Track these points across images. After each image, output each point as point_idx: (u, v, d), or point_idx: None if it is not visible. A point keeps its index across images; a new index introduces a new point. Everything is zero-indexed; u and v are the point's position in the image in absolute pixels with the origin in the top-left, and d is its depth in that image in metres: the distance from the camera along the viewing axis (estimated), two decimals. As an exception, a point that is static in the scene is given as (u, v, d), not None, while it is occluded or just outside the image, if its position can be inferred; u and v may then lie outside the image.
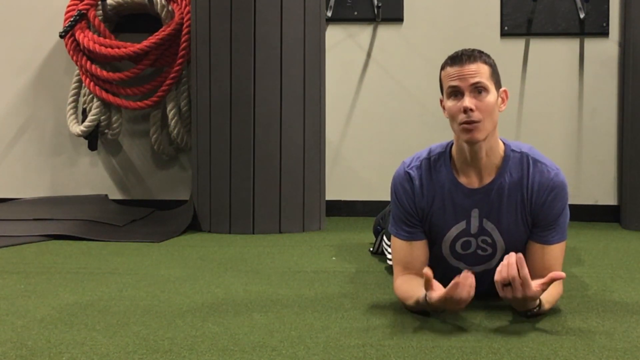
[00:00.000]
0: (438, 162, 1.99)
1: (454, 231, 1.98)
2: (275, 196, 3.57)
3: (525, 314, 1.85)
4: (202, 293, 2.23)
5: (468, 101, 1.85)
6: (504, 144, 1.98)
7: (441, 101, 1.97)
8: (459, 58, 1.89)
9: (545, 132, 4.17)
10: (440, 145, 2.02)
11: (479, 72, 1.87)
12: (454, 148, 1.99)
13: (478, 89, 1.87)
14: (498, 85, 1.93)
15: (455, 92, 1.88)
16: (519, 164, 1.95)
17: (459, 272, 2.02)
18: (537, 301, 1.83)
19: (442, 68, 1.94)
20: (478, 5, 4.21)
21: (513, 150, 1.96)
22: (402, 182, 2.01)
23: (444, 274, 2.06)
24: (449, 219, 1.97)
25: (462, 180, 1.96)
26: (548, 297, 1.88)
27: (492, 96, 1.88)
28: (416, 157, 2.03)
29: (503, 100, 1.95)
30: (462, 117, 1.86)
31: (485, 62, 1.90)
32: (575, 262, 2.79)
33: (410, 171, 2.00)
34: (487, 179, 1.95)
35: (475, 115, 1.85)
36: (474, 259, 2.01)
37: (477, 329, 1.80)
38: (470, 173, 1.96)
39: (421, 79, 4.25)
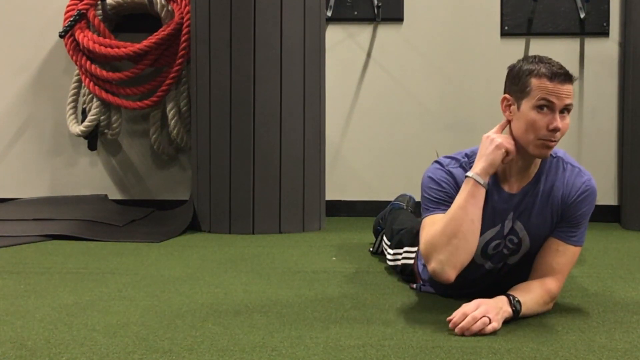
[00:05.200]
0: None
1: (488, 234, 1.99)
2: (275, 196, 3.57)
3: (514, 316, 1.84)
4: (202, 293, 2.23)
5: (560, 122, 1.87)
6: None
7: (505, 99, 1.94)
8: (559, 75, 1.87)
9: (545, 132, 4.17)
10: (473, 150, 2.01)
11: (572, 94, 1.89)
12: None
13: (565, 109, 1.88)
14: None
15: (547, 107, 1.87)
16: (555, 168, 1.99)
17: (483, 271, 2.03)
18: (511, 300, 1.83)
19: (535, 74, 1.88)
20: (478, 5, 4.21)
21: (550, 155, 1.97)
22: (443, 175, 1.99)
23: (466, 275, 2.06)
24: (487, 222, 1.97)
25: (503, 185, 1.98)
26: (527, 301, 1.86)
27: (569, 118, 1.91)
28: (452, 159, 2.02)
29: None
30: (546, 134, 1.87)
31: (572, 84, 1.91)
32: (576, 262, 2.79)
33: (454, 169, 1.99)
34: (525, 182, 1.97)
35: (558, 136, 1.88)
36: (499, 257, 2.03)
37: (477, 329, 1.80)
38: (512, 178, 1.97)
39: (421, 79, 4.24)
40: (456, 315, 1.76)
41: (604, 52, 4.15)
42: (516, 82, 1.92)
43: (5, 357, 1.58)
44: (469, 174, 1.90)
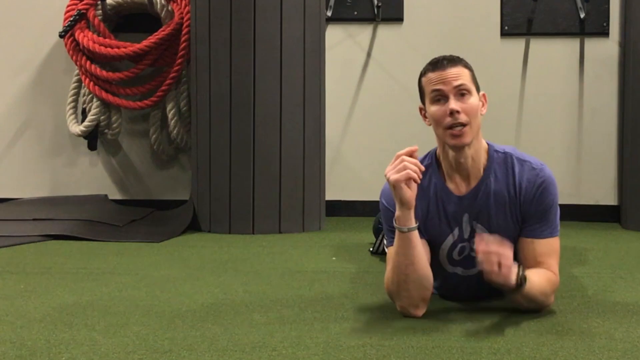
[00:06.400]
0: (427, 173, 1.97)
1: (450, 239, 1.98)
2: (275, 196, 3.57)
3: (513, 289, 1.82)
4: (202, 293, 2.23)
5: (454, 104, 1.86)
6: (488, 144, 1.98)
7: (421, 109, 1.98)
8: (440, 62, 1.90)
9: (545, 132, 4.17)
10: (424, 156, 2.02)
11: (462, 74, 1.89)
12: (439, 155, 1.98)
13: (462, 92, 1.88)
14: (478, 88, 1.94)
15: (439, 97, 1.89)
16: (503, 164, 1.96)
17: (458, 277, 2.02)
18: (519, 271, 1.81)
19: (423, 74, 1.94)
20: (478, 5, 4.21)
21: (496, 151, 1.97)
22: (392, 197, 1.93)
23: (443, 283, 2.06)
24: (444, 228, 1.97)
25: (451, 187, 1.97)
26: (533, 277, 1.85)
27: (475, 98, 1.90)
28: None
29: (483, 104, 1.95)
30: (448, 120, 1.87)
31: (466, 66, 1.92)
32: (575, 262, 2.79)
33: None
34: (474, 183, 1.95)
35: (462, 118, 1.86)
36: (469, 262, 2.00)
37: (477, 329, 1.80)
38: (457, 179, 1.96)
39: (421, 79, 4.24)
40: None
41: (604, 52, 4.14)
42: (418, 89, 1.97)
43: (5, 357, 1.58)
44: (394, 223, 1.87)
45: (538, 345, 1.66)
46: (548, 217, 1.94)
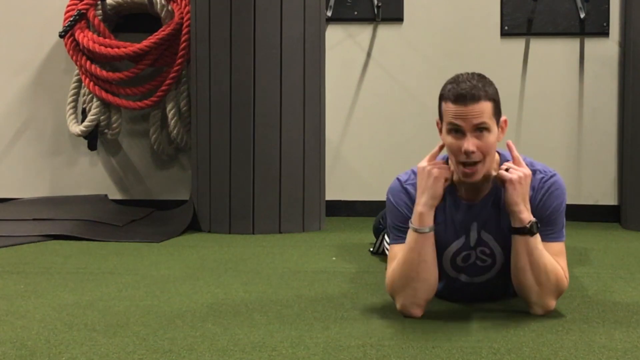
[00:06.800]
0: None
1: (454, 246, 1.98)
2: (275, 196, 3.57)
3: (519, 230, 1.86)
4: (202, 293, 2.23)
5: (470, 144, 1.83)
6: (499, 154, 1.97)
7: (438, 123, 1.95)
8: (462, 97, 1.83)
9: (545, 132, 4.17)
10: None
11: (483, 111, 1.84)
12: (450, 165, 1.96)
13: (480, 129, 1.84)
14: (498, 116, 1.90)
15: (456, 130, 1.86)
16: None
17: (460, 283, 2.02)
18: (531, 218, 1.86)
19: (444, 98, 1.88)
20: (478, 5, 4.21)
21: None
22: (400, 195, 1.98)
23: (445, 286, 2.05)
24: (450, 235, 1.97)
25: (461, 195, 1.96)
26: (546, 253, 1.88)
27: (493, 135, 1.86)
28: (412, 173, 2.01)
29: (502, 130, 1.93)
30: (462, 157, 1.85)
31: (488, 98, 1.85)
32: (576, 262, 2.79)
33: (408, 187, 1.98)
34: (484, 192, 1.95)
35: (476, 157, 1.85)
36: (474, 270, 2.00)
37: (477, 329, 1.80)
38: (467, 188, 1.95)
39: (421, 78, 4.24)
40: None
41: (604, 52, 4.14)
42: (438, 105, 1.93)
43: (5, 357, 1.58)
44: (411, 224, 1.89)
45: (538, 345, 1.66)
46: (554, 221, 1.94)
